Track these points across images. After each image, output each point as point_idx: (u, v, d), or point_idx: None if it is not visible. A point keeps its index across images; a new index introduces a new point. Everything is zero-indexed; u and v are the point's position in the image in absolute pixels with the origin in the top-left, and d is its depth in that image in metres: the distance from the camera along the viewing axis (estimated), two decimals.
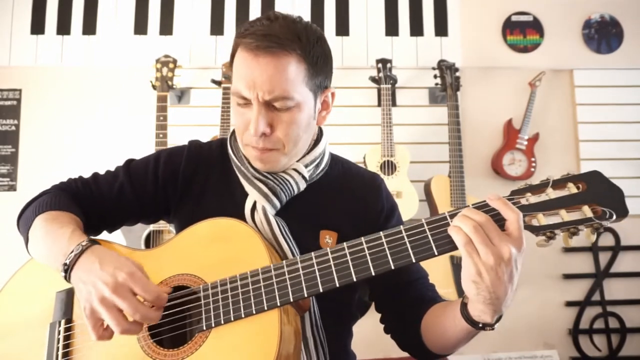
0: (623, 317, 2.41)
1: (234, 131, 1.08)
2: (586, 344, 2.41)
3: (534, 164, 2.44)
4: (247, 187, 1.01)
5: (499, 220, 0.76)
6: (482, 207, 0.78)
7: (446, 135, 2.32)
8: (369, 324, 1.08)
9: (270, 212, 0.98)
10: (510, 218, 0.75)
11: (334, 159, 1.13)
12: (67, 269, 0.84)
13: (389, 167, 2.25)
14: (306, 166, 1.02)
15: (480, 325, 0.79)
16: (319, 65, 0.94)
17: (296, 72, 0.90)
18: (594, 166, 2.47)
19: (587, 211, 0.75)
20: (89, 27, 2.52)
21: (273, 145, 0.94)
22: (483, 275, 0.73)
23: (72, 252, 0.84)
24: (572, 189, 0.78)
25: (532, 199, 0.78)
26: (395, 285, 1.02)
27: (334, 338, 1.02)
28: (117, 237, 2.11)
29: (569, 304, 2.46)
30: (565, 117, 2.57)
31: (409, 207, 2.20)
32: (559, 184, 0.78)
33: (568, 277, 2.47)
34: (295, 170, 1.01)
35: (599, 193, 0.76)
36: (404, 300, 1.02)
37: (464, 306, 0.81)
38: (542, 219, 0.77)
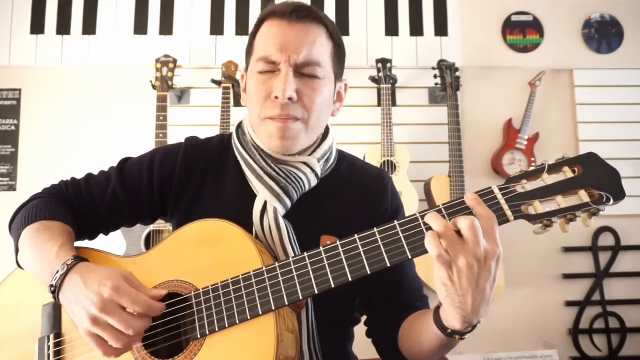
0: (623, 317, 2.41)
1: (240, 124, 1.05)
2: (586, 344, 2.41)
3: (534, 164, 2.42)
4: (257, 185, 0.96)
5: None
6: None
7: (446, 135, 2.31)
8: None
9: (281, 214, 0.94)
10: (483, 218, 0.71)
11: (341, 156, 1.08)
12: (55, 290, 0.81)
13: (389, 167, 2.25)
14: (318, 161, 0.99)
15: (449, 331, 0.76)
16: (342, 52, 0.99)
17: (326, 45, 0.94)
18: None
19: (583, 196, 0.73)
20: (89, 27, 2.52)
21: (297, 113, 0.91)
22: (454, 278, 0.70)
23: (57, 272, 0.82)
24: (568, 173, 0.76)
25: (528, 186, 0.76)
26: (388, 290, 0.99)
27: (335, 345, 1.00)
28: (117, 237, 2.12)
29: (569, 304, 2.45)
30: (565, 117, 2.57)
31: (409, 207, 2.19)
32: (554, 168, 0.76)
33: (568, 277, 2.46)
34: (307, 164, 0.97)
35: (595, 176, 0.74)
36: (392, 306, 0.99)
37: (437, 310, 0.79)
38: (538, 207, 0.75)
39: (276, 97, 0.89)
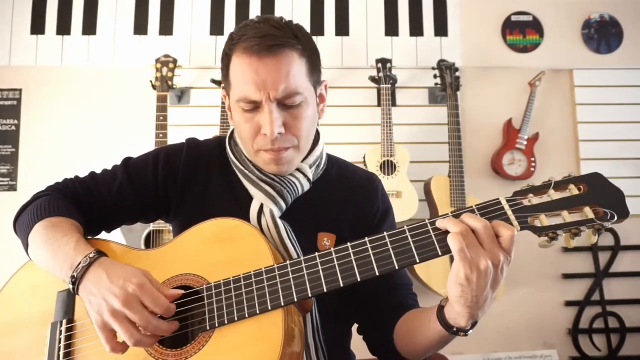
0: (623, 317, 2.42)
1: (231, 134, 1.08)
2: (586, 343, 2.41)
3: (534, 164, 2.44)
4: (252, 190, 1.00)
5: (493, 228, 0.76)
6: (487, 207, 0.78)
7: (446, 135, 2.32)
8: None
9: (277, 215, 0.98)
10: (504, 234, 0.74)
11: (330, 159, 1.13)
12: (75, 282, 0.83)
13: (389, 167, 2.26)
14: (310, 167, 1.03)
15: (455, 329, 0.79)
16: (314, 60, 0.96)
17: (299, 67, 0.92)
18: (594, 166, 2.49)
19: (588, 212, 0.76)
20: (89, 27, 2.52)
21: (289, 143, 0.95)
22: (471, 279, 0.72)
23: (79, 264, 0.83)
24: (573, 190, 0.78)
25: (535, 200, 0.79)
26: (378, 288, 1.01)
27: (335, 340, 1.02)
28: (116, 237, 2.12)
29: (569, 303, 2.46)
30: (565, 117, 2.57)
31: (409, 207, 2.20)
32: (560, 185, 0.79)
33: (568, 277, 2.47)
34: (300, 171, 1.01)
35: (600, 195, 0.77)
36: (384, 304, 1.01)
37: (440, 309, 0.82)
38: (544, 220, 0.77)
39: (265, 134, 0.92)
